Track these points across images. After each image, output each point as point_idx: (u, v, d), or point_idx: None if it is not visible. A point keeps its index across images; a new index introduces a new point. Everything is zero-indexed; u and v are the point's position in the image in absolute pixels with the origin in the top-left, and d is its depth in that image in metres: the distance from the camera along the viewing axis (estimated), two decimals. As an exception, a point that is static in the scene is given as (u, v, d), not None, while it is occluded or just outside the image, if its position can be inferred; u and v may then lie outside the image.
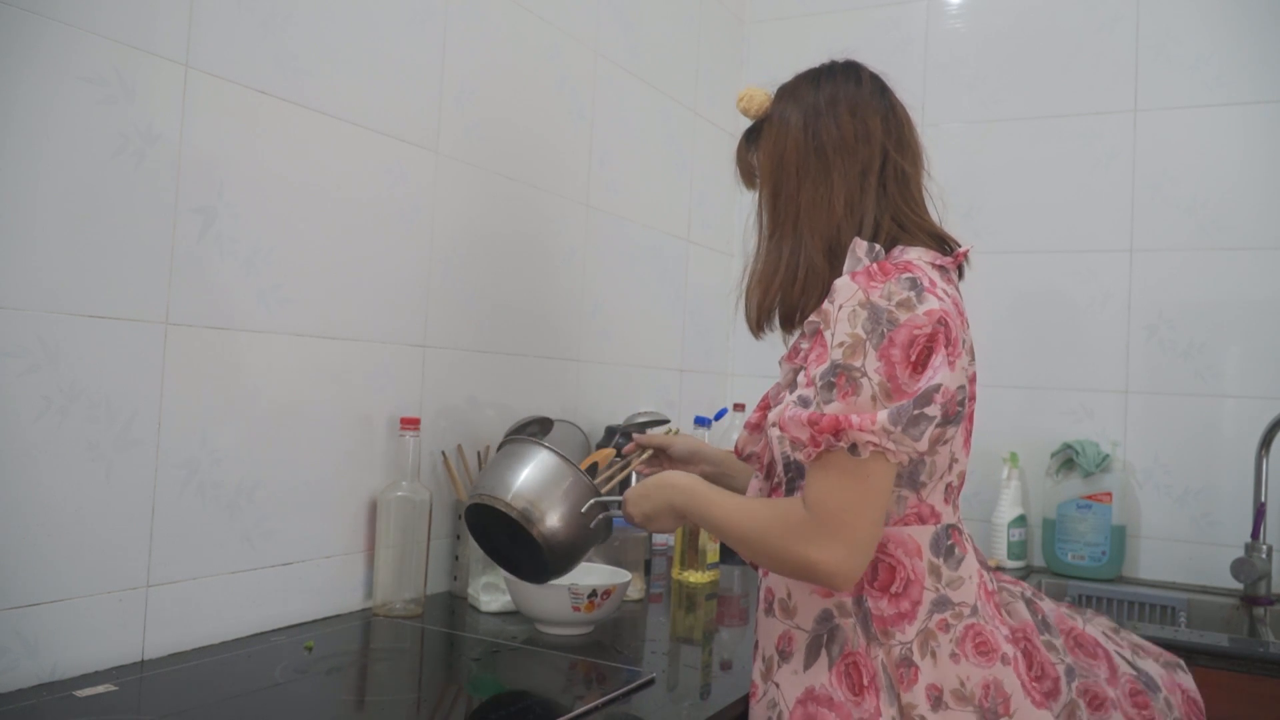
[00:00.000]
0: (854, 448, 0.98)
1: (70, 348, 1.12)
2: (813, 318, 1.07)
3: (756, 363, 2.63)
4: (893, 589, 1.06)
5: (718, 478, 1.38)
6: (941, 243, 1.15)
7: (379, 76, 1.54)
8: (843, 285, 1.04)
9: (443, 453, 1.68)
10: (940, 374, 0.99)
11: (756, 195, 1.22)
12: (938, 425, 1.01)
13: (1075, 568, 2.21)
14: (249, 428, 1.34)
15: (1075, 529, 2.21)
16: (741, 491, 1.28)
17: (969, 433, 1.13)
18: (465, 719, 1.18)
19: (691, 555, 1.90)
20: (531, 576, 1.37)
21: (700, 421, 2.22)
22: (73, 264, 1.12)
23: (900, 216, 1.14)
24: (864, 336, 1.00)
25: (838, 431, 0.98)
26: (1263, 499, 2.05)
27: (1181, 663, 1.22)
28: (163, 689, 1.13)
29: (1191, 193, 2.23)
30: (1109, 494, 2.19)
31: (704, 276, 2.55)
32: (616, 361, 2.19)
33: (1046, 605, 1.20)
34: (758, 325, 1.19)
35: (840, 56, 1.22)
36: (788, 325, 1.17)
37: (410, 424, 1.54)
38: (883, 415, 0.97)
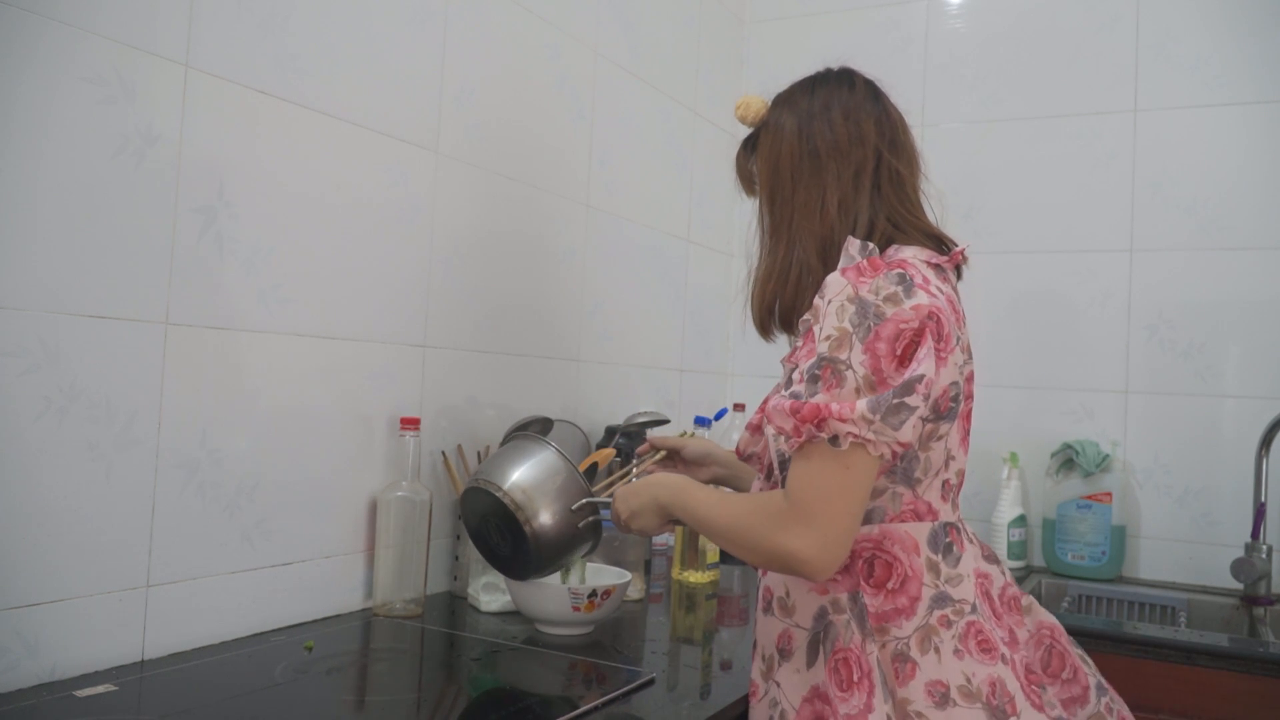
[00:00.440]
0: (835, 439, 0.99)
1: (70, 348, 1.12)
2: (805, 315, 1.08)
3: (756, 363, 2.63)
4: (889, 585, 1.06)
5: (730, 480, 1.39)
6: (938, 242, 1.16)
7: (379, 76, 1.54)
8: (833, 280, 1.05)
9: (443, 453, 1.69)
10: (924, 366, 1.00)
11: (757, 201, 1.24)
12: (924, 418, 1.01)
13: (1075, 568, 2.21)
14: (249, 427, 1.34)
15: (1075, 529, 2.21)
16: None
17: (967, 431, 1.13)
18: (465, 719, 1.18)
19: (691, 555, 1.90)
20: (516, 572, 1.38)
21: (700, 421, 2.22)
22: (73, 264, 1.13)
23: (895, 217, 1.15)
24: (850, 330, 1.01)
25: (819, 421, 0.99)
26: (1263, 499, 2.05)
27: None
28: (163, 689, 1.13)
29: (1191, 193, 2.23)
30: (1109, 494, 2.19)
31: (704, 276, 2.55)
32: (616, 361, 2.19)
33: None
34: (762, 327, 1.21)
35: (836, 63, 1.24)
36: (787, 326, 1.19)
37: (410, 424, 1.54)
38: (862, 404, 0.98)
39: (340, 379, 1.49)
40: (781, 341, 1.22)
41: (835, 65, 1.24)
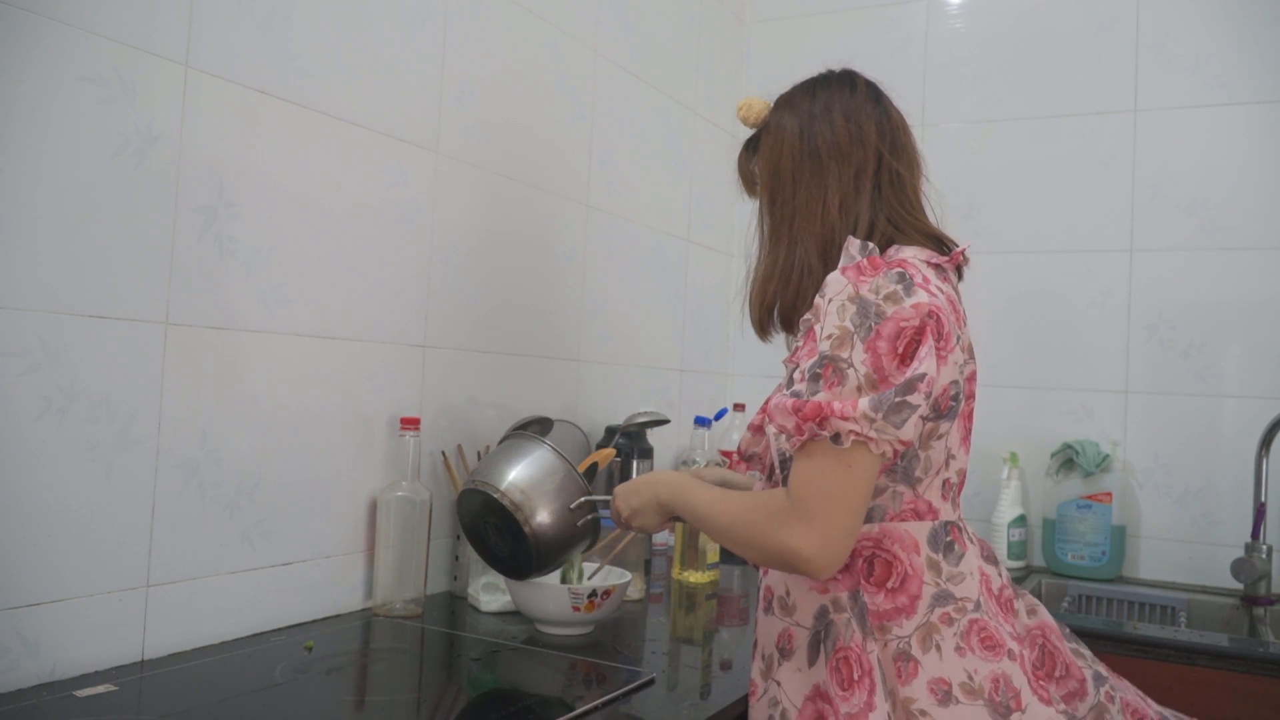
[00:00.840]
0: (837, 437, 0.99)
1: (70, 348, 1.12)
2: (806, 315, 1.08)
3: (757, 363, 2.63)
4: (889, 584, 1.06)
5: None
6: (939, 243, 1.16)
7: (379, 77, 1.54)
8: (833, 280, 1.05)
9: (443, 453, 1.69)
10: (926, 364, 1.00)
11: (757, 202, 1.24)
12: (925, 417, 1.01)
13: (1075, 568, 2.21)
14: (249, 427, 1.34)
15: (1075, 529, 2.21)
16: None
17: (968, 431, 1.14)
18: (465, 719, 1.18)
19: (691, 555, 1.90)
20: (515, 572, 1.38)
21: (700, 421, 2.22)
22: (73, 264, 1.13)
23: (895, 218, 1.15)
24: (852, 329, 1.01)
25: (821, 419, 0.99)
26: (1263, 499, 2.05)
27: None
28: (163, 689, 1.13)
29: (1191, 193, 2.23)
30: (1109, 494, 2.18)
31: (704, 276, 2.55)
32: (617, 361, 2.19)
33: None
34: (761, 328, 1.22)
35: (836, 64, 1.24)
36: (787, 326, 1.19)
37: (410, 424, 1.54)
38: (864, 402, 0.98)
39: (340, 379, 1.49)
40: (781, 342, 1.23)
41: (836, 67, 1.24)
